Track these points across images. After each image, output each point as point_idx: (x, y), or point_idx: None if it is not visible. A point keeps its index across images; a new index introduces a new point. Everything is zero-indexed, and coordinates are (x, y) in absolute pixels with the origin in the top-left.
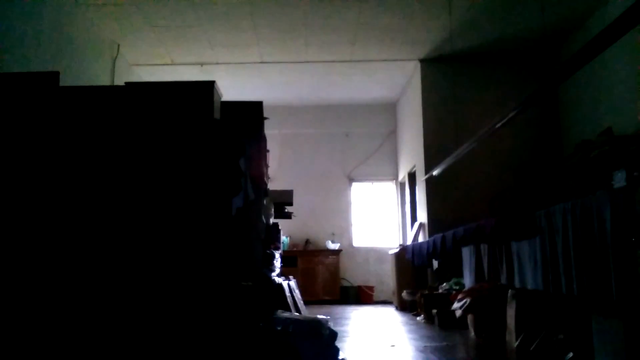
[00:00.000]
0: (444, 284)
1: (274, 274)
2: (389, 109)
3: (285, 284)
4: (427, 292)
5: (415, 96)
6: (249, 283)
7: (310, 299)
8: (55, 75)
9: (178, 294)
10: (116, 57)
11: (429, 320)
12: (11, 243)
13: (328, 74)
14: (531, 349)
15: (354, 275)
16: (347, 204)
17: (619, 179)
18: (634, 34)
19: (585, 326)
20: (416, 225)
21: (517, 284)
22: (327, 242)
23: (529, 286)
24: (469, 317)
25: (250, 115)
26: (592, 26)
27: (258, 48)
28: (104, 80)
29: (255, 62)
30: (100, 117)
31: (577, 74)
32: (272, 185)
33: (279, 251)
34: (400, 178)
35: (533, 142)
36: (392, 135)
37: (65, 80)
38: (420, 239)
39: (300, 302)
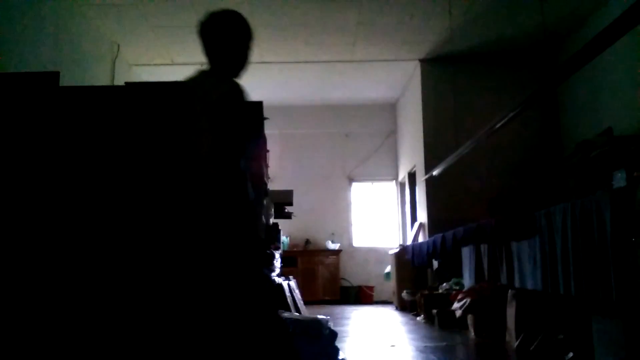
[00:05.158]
0: (444, 284)
1: (274, 274)
2: (389, 109)
3: (285, 284)
4: (427, 292)
5: (415, 96)
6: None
7: (310, 299)
8: (55, 75)
9: (178, 294)
10: (116, 57)
11: (429, 320)
12: (11, 243)
13: (328, 74)
14: (531, 349)
15: (354, 275)
16: (347, 204)
17: (619, 179)
18: (634, 34)
19: (585, 326)
20: (416, 225)
21: (517, 284)
22: (327, 242)
23: (529, 286)
24: (469, 317)
25: (250, 115)
26: (592, 26)
27: (258, 48)
28: (104, 80)
29: (255, 62)
30: (100, 117)
31: (577, 74)
32: (272, 185)
33: (279, 251)
34: (400, 178)
35: (533, 142)
36: (392, 135)
37: (65, 80)
38: (420, 239)
39: (300, 302)
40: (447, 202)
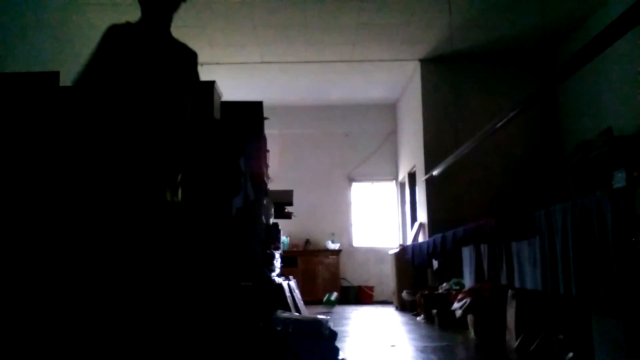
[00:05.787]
0: (444, 284)
1: (274, 274)
2: (389, 109)
3: (285, 284)
4: (427, 292)
5: (415, 96)
6: (249, 283)
7: (310, 299)
8: (55, 75)
9: (178, 294)
10: None
11: (429, 320)
12: (10, 244)
13: (328, 74)
14: (531, 349)
15: (354, 275)
16: (347, 204)
17: (619, 179)
18: (634, 34)
19: (585, 326)
20: (416, 225)
21: (517, 284)
22: (327, 242)
23: (529, 286)
24: (469, 317)
25: (250, 115)
26: (592, 26)
27: (258, 48)
28: None
29: (255, 62)
30: (99, 117)
31: (577, 74)
32: (272, 185)
33: (279, 251)
34: (400, 178)
35: (533, 142)
36: (392, 135)
37: (65, 81)
38: (420, 239)
39: (300, 302)
40: (447, 202)
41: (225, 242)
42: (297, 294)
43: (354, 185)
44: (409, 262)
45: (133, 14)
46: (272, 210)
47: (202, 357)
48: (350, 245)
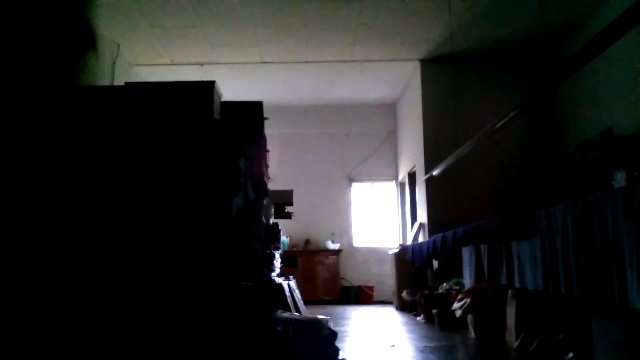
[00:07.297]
0: (444, 284)
1: (274, 274)
2: (389, 109)
3: (285, 284)
4: (427, 292)
5: (415, 96)
6: (249, 283)
7: (310, 299)
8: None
9: (178, 294)
10: (116, 57)
11: (429, 320)
12: (13, 243)
13: (328, 74)
14: (531, 349)
15: (354, 275)
16: (347, 204)
17: (619, 179)
18: (634, 34)
19: (585, 326)
20: (416, 225)
21: (517, 284)
22: (327, 242)
23: (529, 286)
24: (469, 317)
25: (250, 115)
26: (592, 26)
27: (258, 48)
28: (104, 80)
29: (255, 62)
30: (100, 117)
31: (577, 74)
32: (272, 185)
33: (279, 251)
34: (400, 178)
35: (533, 142)
36: (392, 135)
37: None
38: (420, 239)
39: (300, 302)
40: (447, 202)
41: (225, 242)
42: (297, 294)
43: (354, 185)
44: (409, 262)
45: (133, 14)
46: (272, 210)
47: (202, 357)
48: (350, 245)
